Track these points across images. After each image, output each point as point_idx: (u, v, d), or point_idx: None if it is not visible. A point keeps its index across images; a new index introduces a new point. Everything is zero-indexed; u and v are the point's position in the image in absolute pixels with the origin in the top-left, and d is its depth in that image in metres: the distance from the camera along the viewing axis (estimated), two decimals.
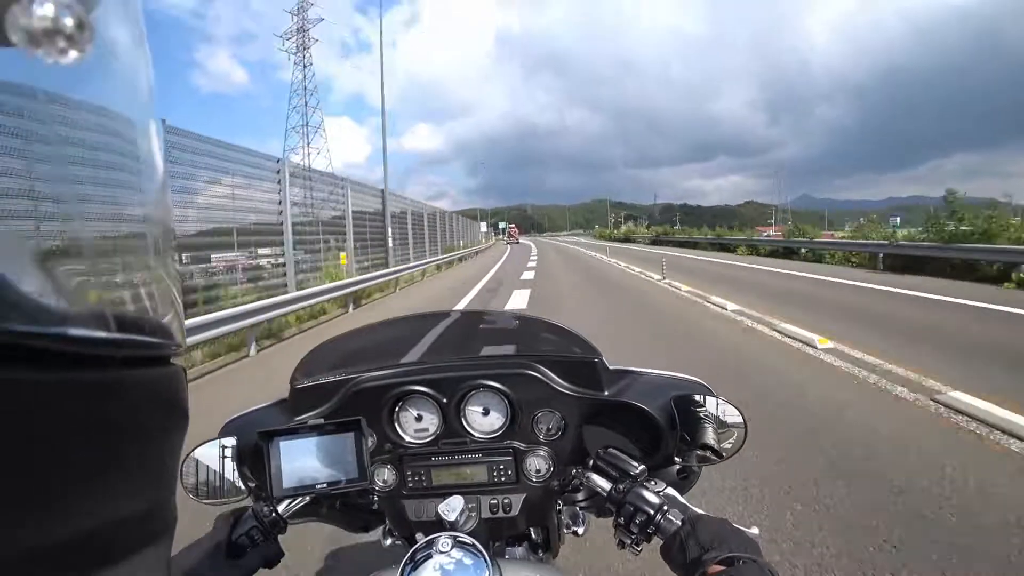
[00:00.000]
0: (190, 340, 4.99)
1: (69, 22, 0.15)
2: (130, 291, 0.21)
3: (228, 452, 0.73)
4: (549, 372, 0.76)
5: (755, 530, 0.59)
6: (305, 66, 56.34)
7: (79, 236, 0.19)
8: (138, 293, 0.21)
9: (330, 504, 0.80)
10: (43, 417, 0.16)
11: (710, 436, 0.68)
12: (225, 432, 0.77)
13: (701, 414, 0.71)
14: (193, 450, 0.74)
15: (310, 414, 0.76)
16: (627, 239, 51.33)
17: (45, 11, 0.15)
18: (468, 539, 0.59)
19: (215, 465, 0.73)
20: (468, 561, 0.56)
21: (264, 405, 0.83)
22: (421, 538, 0.62)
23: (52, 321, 0.16)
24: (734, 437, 0.72)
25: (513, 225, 75.65)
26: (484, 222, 48.58)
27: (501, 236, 73.02)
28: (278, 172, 7.60)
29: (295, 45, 57.29)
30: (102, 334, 0.18)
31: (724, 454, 0.70)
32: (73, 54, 0.16)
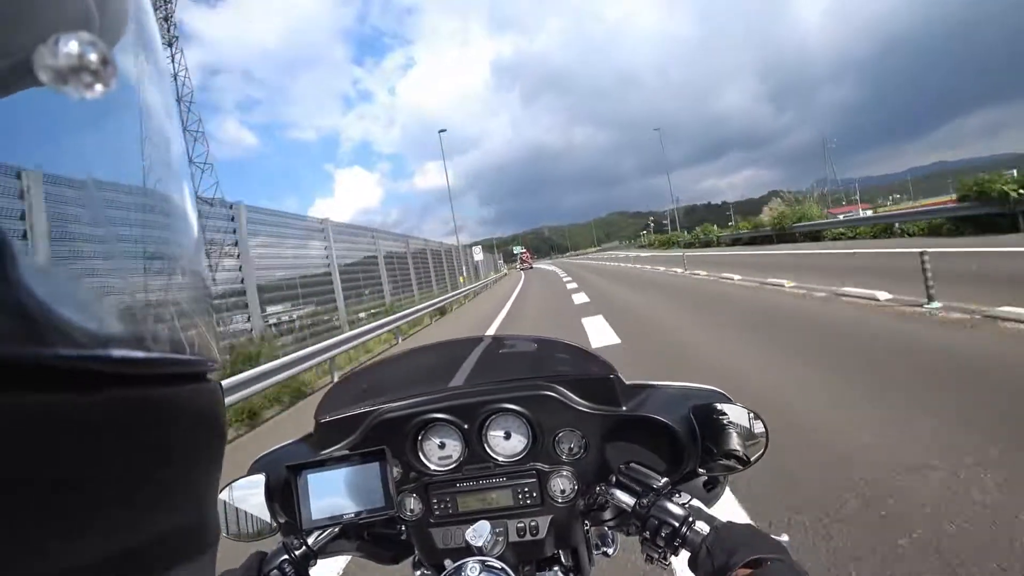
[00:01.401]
0: None
1: (94, 58, 0.16)
2: (166, 310, 0.23)
3: (257, 489, 0.76)
4: (567, 392, 0.78)
5: (785, 537, 0.59)
6: (176, 64, 40.68)
7: (115, 259, 0.21)
8: (173, 312, 0.23)
9: (359, 535, 0.82)
10: (86, 437, 0.16)
11: (734, 443, 0.69)
12: (254, 469, 0.80)
13: (722, 422, 0.71)
14: (223, 488, 0.76)
15: (335, 447, 0.79)
16: (668, 243, 47.03)
17: (71, 49, 0.16)
18: (497, 563, 0.59)
19: (245, 503, 0.76)
20: None
21: (291, 441, 0.87)
22: (448, 564, 0.64)
23: (95, 343, 0.17)
24: (755, 441, 0.72)
25: (525, 250, 71.25)
26: (477, 247, 33.30)
27: (516, 264, 68.73)
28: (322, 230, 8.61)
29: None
30: (141, 354, 0.19)
31: (749, 459, 0.70)
32: (99, 88, 0.17)
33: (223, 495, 0.76)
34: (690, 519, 0.63)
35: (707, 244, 30.02)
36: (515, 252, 72.86)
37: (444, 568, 0.73)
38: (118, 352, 0.18)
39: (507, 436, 0.78)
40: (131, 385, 0.18)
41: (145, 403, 0.19)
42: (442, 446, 0.79)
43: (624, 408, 0.78)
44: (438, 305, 13.98)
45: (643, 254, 40.81)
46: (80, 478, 0.16)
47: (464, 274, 23.24)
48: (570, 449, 0.78)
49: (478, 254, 30.91)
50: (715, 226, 32.67)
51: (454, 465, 0.78)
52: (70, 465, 0.16)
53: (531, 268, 55.58)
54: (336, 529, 0.74)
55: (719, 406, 0.73)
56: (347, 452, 0.70)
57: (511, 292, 19.98)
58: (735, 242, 27.84)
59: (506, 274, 44.04)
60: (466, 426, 0.77)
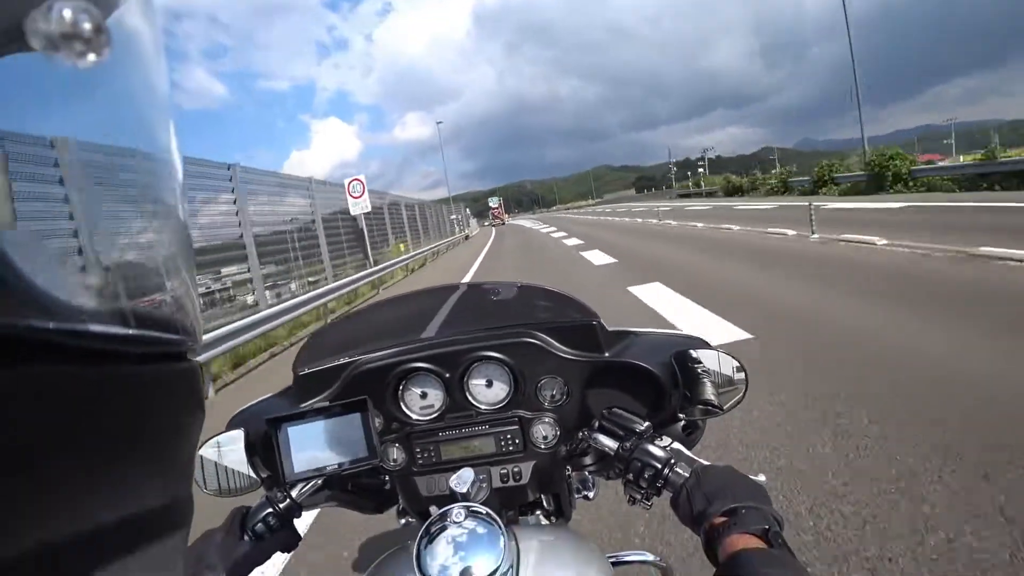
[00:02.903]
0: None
1: (88, 26, 0.16)
2: (147, 287, 0.23)
3: (237, 444, 0.76)
4: (549, 338, 0.79)
5: (762, 477, 0.62)
6: None
7: (96, 232, 0.20)
8: (155, 289, 0.23)
9: (342, 486, 0.84)
10: (60, 412, 0.16)
11: (709, 390, 0.71)
12: (232, 425, 0.80)
13: (700, 369, 0.73)
14: (201, 446, 0.77)
15: (315, 399, 0.80)
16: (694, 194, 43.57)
17: (64, 16, 0.16)
18: (482, 508, 0.61)
19: (226, 459, 0.77)
20: (482, 530, 0.58)
21: (268, 396, 0.87)
22: (434, 511, 0.66)
23: (70, 317, 0.17)
24: (735, 387, 0.75)
25: (497, 204, 62.53)
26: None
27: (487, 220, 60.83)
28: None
29: None
30: (119, 330, 0.19)
31: (725, 406, 0.73)
32: (91, 57, 0.16)
33: (202, 452, 0.77)
34: (672, 461, 0.66)
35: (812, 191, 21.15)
36: (491, 205, 64.95)
37: (429, 515, 0.75)
38: (95, 327, 0.18)
39: (489, 384, 0.80)
40: (107, 361, 0.18)
41: (121, 380, 0.19)
42: (424, 396, 0.80)
43: (607, 354, 0.80)
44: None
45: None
46: (50, 455, 0.16)
47: (405, 240, 16.99)
48: (552, 396, 0.80)
49: (454, 216, 28.66)
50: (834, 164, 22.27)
51: (436, 414, 0.80)
52: (39, 441, 0.16)
53: (503, 224, 51.30)
54: (319, 481, 0.76)
55: (699, 353, 0.75)
56: (328, 404, 0.70)
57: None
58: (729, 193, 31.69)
59: (467, 236, 33.17)
60: (448, 375, 0.78)
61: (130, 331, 0.19)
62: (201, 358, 5.24)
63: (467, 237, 32.93)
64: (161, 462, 0.21)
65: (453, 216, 29.92)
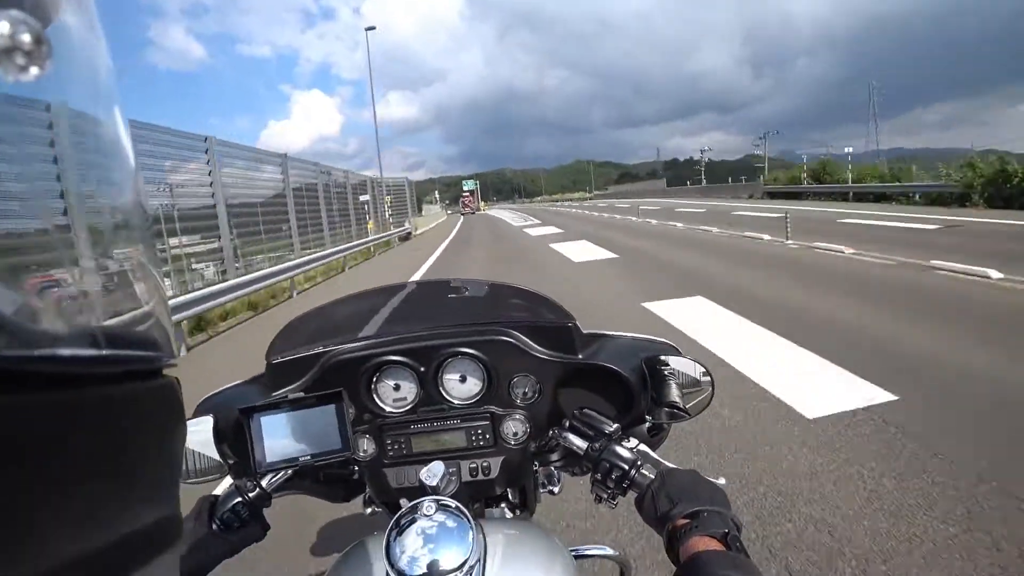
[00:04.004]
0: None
1: (27, 38, 0.16)
2: (117, 305, 0.23)
3: (206, 431, 0.77)
4: (525, 338, 0.82)
5: (722, 480, 0.67)
6: None
7: (62, 250, 0.20)
8: (125, 306, 0.23)
9: (313, 476, 0.85)
10: (35, 441, 0.16)
11: (675, 394, 0.76)
12: (201, 411, 0.81)
13: (668, 373, 0.77)
14: None
15: (288, 388, 0.81)
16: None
17: (1, 29, 0.15)
18: (451, 502, 0.63)
19: (192, 445, 0.77)
20: (452, 523, 0.60)
21: (239, 382, 0.87)
22: (404, 503, 0.67)
23: (37, 343, 0.17)
24: (703, 394, 0.79)
25: (468, 192, 60.02)
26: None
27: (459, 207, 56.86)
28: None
29: None
30: (91, 352, 0.19)
31: (691, 411, 0.77)
32: (33, 71, 0.16)
33: None
34: (638, 463, 0.70)
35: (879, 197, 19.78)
36: (464, 190, 61.88)
37: (397, 506, 0.77)
38: (63, 351, 0.17)
39: (462, 379, 0.82)
40: (79, 385, 0.18)
41: (95, 403, 0.19)
42: (397, 388, 0.82)
43: (580, 356, 0.83)
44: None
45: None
46: (27, 486, 0.16)
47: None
48: (524, 394, 0.83)
49: (364, 196, 16.76)
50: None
51: (409, 407, 0.82)
52: (15, 472, 0.15)
53: (472, 214, 48.85)
54: (289, 471, 0.76)
55: (669, 358, 0.79)
56: (302, 394, 0.72)
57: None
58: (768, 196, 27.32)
59: (409, 235, 21.50)
60: (422, 369, 0.80)
61: (101, 352, 0.19)
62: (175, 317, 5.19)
63: (408, 236, 20.84)
64: (144, 483, 0.21)
65: (364, 197, 16.34)
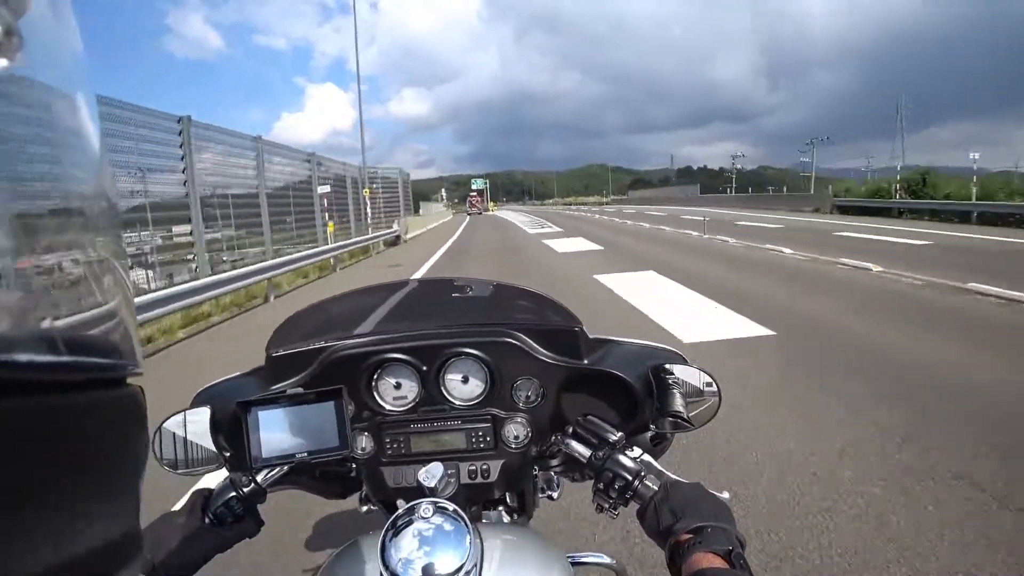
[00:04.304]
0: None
1: None
2: (79, 309, 0.21)
3: (203, 422, 0.77)
4: (529, 340, 0.81)
5: (726, 494, 0.65)
6: None
7: (17, 248, 0.19)
8: (88, 310, 0.22)
9: (309, 472, 0.84)
10: None
11: (679, 404, 0.74)
12: (198, 402, 0.80)
13: (672, 382, 0.76)
14: (165, 421, 0.77)
15: (287, 382, 0.80)
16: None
17: None
18: (449, 505, 0.62)
19: (188, 435, 0.77)
20: (449, 527, 0.60)
21: (238, 374, 0.87)
22: (401, 504, 0.67)
23: None
24: (708, 404, 0.78)
25: (476, 192, 59.67)
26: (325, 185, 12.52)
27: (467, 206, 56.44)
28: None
29: None
30: (48, 358, 0.18)
31: (695, 422, 0.76)
32: (2, 63, 0.16)
33: (165, 425, 0.77)
34: (642, 473, 0.69)
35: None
36: (473, 189, 61.56)
37: (394, 505, 0.76)
38: (20, 356, 0.17)
39: (465, 380, 0.81)
40: (39, 392, 0.17)
41: (54, 412, 0.18)
42: (398, 386, 0.81)
43: (585, 361, 0.82)
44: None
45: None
46: None
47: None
48: (527, 397, 0.82)
49: (323, 187, 12.56)
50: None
51: (409, 406, 0.81)
52: None
53: (480, 214, 48.15)
54: (286, 467, 0.76)
55: (676, 367, 0.78)
56: (301, 390, 0.71)
57: None
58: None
59: (400, 238, 17.57)
60: (424, 368, 0.79)
61: (61, 358, 0.18)
62: (149, 314, 5.00)
63: (396, 241, 16.97)
64: (104, 497, 0.20)
65: (323, 189, 12.44)
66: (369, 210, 16.48)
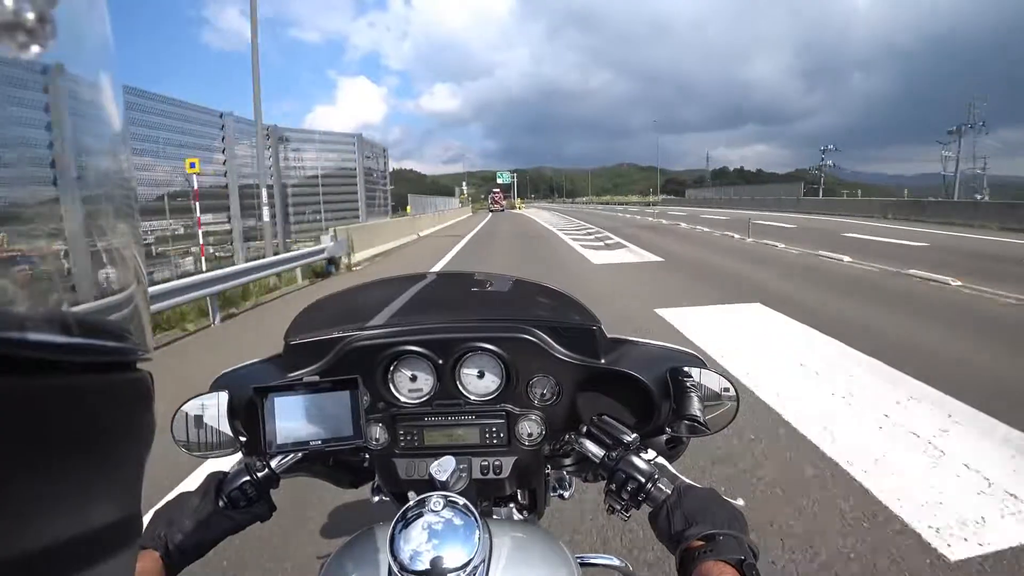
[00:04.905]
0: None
1: (30, 16, 0.16)
2: (93, 293, 0.22)
3: (220, 406, 0.79)
4: (547, 337, 0.81)
5: (741, 501, 0.65)
6: None
7: (37, 232, 0.20)
8: (102, 295, 0.22)
9: (322, 460, 0.86)
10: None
11: (696, 407, 0.74)
12: (217, 386, 0.82)
13: (691, 385, 0.76)
14: (184, 403, 0.79)
15: (304, 371, 0.81)
16: None
17: (5, 5, 0.16)
18: (459, 499, 0.63)
19: (206, 418, 0.79)
20: (459, 521, 0.60)
21: (256, 360, 0.89)
22: (412, 496, 0.68)
23: (7, 325, 0.17)
24: (725, 409, 0.77)
25: (499, 188, 58.58)
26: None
27: (491, 203, 54.93)
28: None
29: None
30: (61, 339, 0.18)
31: (711, 427, 0.75)
32: (35, 49, 0.16)
33: (184, 408, 0.79)
34: (655, 476, 0.69)
35: None
36: (498, 183, 61.31)
37: (405, 497, 0.77)
38: (34, 336, 0.17)
39: (480, 375, 0.81)
40: (48, 372, 0.18)
41: (64, 392, 0.18)
42: (414, 379, 0.82)
43: (603, 361, 0.82)
44: None
45: None
46: None
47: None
48: (542, 395, 0.82)
49: (266, 198, 9.20)
50: None
51: (424, 399, 0.82)
52: None
53: (502, 211, 47.76)
54: (300, 454, 0.77)
55: (694, 370, 0.78)
56: (318, 378, 0.72)
57: None
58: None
59: (330, 261, 9.56)
60: (440, 361, 0.80)
61: (73, 339, 0.19)
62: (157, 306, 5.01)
63: (331, 269, 9.24)
64: (108, 478, 0.21)
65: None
66: (266, 213, 9.57)
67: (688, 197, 57.20)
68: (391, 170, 17.34)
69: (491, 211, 47.67)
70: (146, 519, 0.63)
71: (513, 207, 58.96)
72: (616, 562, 0.88)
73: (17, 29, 0.16)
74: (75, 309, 0.20)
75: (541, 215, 36.89)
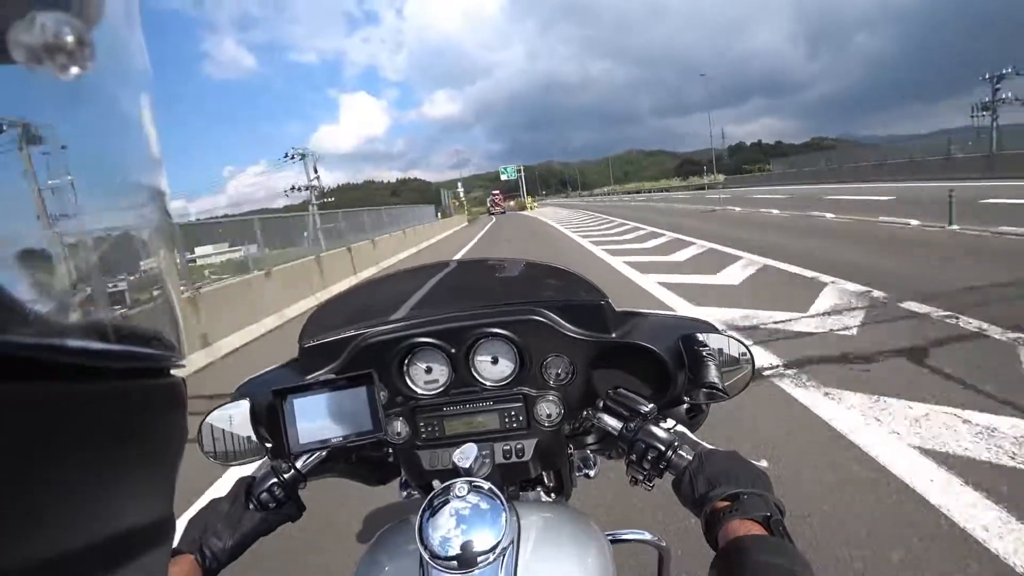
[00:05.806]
0: None
1: (70, 38, 0.17)
2: (129, 301, 0.24)
3: (243, 414, 0.81)
4: (556, 317, 0.82)
5: (764, 463, 0.65)
6: None
7: (77, 243, 0.21)
8: (137, 303, 0.24)
9: (347, 458, 0.88)
10: (38, 429, 0.16)
11: (713, 374, 0.74)
12: (239, 395, 0.85)
13: (707, 353, 0.76)
14: (208, 414, 0.82)
15: (321, 372, 0.84)
16: None
17: (46, 28, 0.16)
18: (484, 483, 0.64)
19: (231, 427, 0.81)
20: (485, 505, 0.61)
21: (274, 367, 0.91)
22: (437, 484, 0.69)
23: (49, 332, 0.17)
24: (742, 373, 0.77)
25: (497, 190, 59.23)
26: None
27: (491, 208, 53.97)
28: None
29: None
30: (99, 345, 0.19)
31: (730, 391, 0.75)
32: (74, 70, 0.17)
33: (209, 419, 0.82)
34: (675, 444, 0.69)
35: None
36: (502, 179, 60.43)
37: (431, 489, 0.79)
38: (72, 342, 0.18)
39: (494, 361, 0.83)
40: (85, 377, 0.18)
41: (100, 397, 0.19)
42: (429, 371, 0.84)
43: (613, 335, 0.82)
44: None
45: None
46: (26, 473, 0.16)
47: None
48: (558, 374, 0.82)
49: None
50: None
51: (441, 389, 0.83)
52: (13, 459, 0.16)
53: (503, 213, 45.24)
54: (323, 452, 0.79)
55: (706, 337, 0.78)
56: (333, 376, 0.74)
57: None
58: None
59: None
60: (453, 351, 0.81)
61: (110, 346, 0.19)
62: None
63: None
64: (142, 480, 0.22)
65: None
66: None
67: (744, 179, 45.57)
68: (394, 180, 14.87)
69: (491, 214, 45.75)
70: (180, 526, 0.66)
71: (523, 208, 53.05)
72: (648, 536, 0.88)
73: (58, 51, 0.16)
74: (111, 315, 0.21)
75: (557, 217, 27.22)
